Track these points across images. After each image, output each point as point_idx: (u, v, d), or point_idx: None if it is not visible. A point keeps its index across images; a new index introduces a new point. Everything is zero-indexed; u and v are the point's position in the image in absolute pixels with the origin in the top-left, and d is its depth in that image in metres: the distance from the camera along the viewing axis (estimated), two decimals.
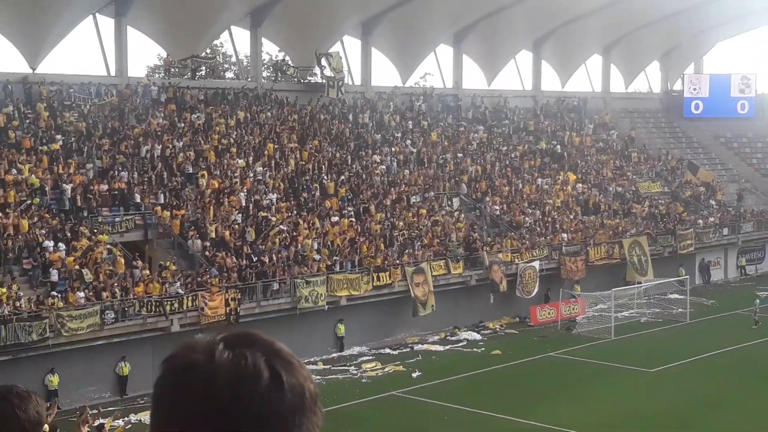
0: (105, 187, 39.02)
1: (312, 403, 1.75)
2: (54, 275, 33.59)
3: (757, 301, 46.23)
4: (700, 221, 57.93)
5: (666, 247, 54.29)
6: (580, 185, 56.98)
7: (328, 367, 37.96)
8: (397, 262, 42.43)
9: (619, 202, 57.06)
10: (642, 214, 55.98)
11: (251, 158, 45.57)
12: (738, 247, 59.66)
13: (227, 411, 1.68)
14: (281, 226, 41.13)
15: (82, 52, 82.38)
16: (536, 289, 46.77)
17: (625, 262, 51.02)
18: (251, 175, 44.25)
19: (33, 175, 37.60)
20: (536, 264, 47.07)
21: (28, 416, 2.68)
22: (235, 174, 43.56)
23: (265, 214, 41.82)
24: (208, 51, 59.82)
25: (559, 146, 60.93)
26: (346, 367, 37.93)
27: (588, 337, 42.94)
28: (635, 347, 40.99)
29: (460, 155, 54.70)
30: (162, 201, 39.89)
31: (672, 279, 50.69)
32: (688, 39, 72.81)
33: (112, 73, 47.85)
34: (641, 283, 49.43)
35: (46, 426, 2.86)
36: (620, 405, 32.66)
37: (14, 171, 37.50)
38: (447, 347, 41.47)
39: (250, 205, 42.09)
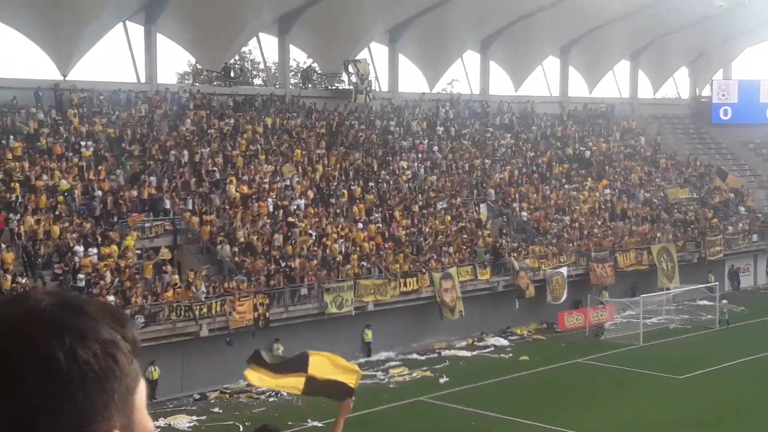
0: (135, 192, 39.36)
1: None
2: (81, 280, 33.83)
3: (725, 301, 47.24)
4: (730, 227, 57.61)
5: (694, 253, 54.00)
6: (608, 191, 56.82)
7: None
8: (423, 270, 42.42)
9: (648, 209, 56.82)
10: (670, 221, 55.74)
11: (279, 164, 45.80)
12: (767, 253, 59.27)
13: None
14: (309, 232, 41.31)
15: (112, 59, 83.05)
16: (565, 296, 46.61)
17: (653, 269, 50.77)
18: (279, 180, 44.46)
19: (64, 181, 37.99)
20: (564, 270, 46.95)
21: None
22: (264, 180, 43.79)
23: (293, 219, 42.01)
24: (237, 58, 60.23)
25: (588, 152, 60.79)
26: (374, 373, 37.98)
27: (616, 343, 42.76)
28: (664, 354, 40.77)
29: (487, 161, 54.69)
30: (191, 207, 40.17)
31: (701, 285, 50.40)
32: (716, 45, 72.44)
33: (142, 80, 48.26)
34: (669, 289, 49.27)
35: None
36: (648, 411, 32.51)
37: (45, 177, 37.91)
38: (474, 353, 41.43)
39: (279, 210, 42.29)
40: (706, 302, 49.68)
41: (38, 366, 1.39)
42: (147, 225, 38.38)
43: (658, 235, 52.92)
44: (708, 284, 50.76)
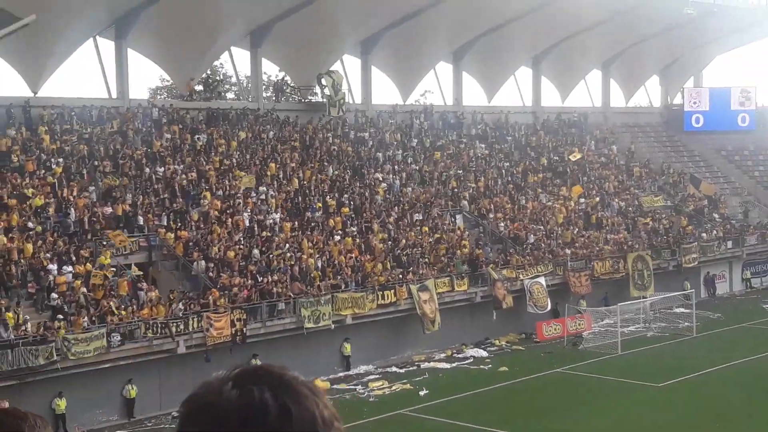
0: (108, 209, 38.97)
1: (326, 428, 1.79)
2: (54, 299, 33.35)
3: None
4: (704, 235, 57.87)
5: (670, 261, 54.17)
6: (583, 200, 56.94)
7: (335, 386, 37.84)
8: (401, 277, 42.25)
9: (622, 217, 56.97)
10: (645, 229, 55.89)
11: (254, 178, 45.52)
12: (743, 260, 59.56)
13: None
14: (285, 246, 41.04)
15: (83, 75, 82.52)
16: (549, 305, 46.55)
17: (628, 278, 50.86)
18: (254, 195, 44.20)
19: (36, 197, 37.57)
20: (542, 280, 46.94)
21: None
22: (238, 194, 43.52)
23: (268, 233, 41.76)
24: (209, 72, 60.00)
25: (560, 162, 60.92)
26: (353, 387, 37.77)
27: (595, 352, 42.80)
28: (642, 362, 40.86)
29: (461, 172, 54.67)
30: (165, 223, 39.84)
31: (677, 293, 50.57)
32: (687, 53, 72.96)
33: (114, 96, 47.90)
34: (645, 297, 49.41)
35: None
36: (628, 420, 32.53)
37: (17, 194, 37.45)
38: (454, 365, 41.31)
39: (254, 225, 42.03)
40: (682, 309, 49.83)
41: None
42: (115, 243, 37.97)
43: (633, 243, 53.00)
44: (684, 292, 50.94)
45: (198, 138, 46.89)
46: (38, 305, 33.64)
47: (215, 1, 47.53)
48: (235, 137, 48.29)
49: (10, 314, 31.32)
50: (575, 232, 52.72)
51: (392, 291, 41.55)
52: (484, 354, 42.96)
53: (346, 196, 47.34)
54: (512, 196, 54.28)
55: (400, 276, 42.50)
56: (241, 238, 40.76)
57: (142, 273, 37.09)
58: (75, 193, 39.18)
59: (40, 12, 42.57)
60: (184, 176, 43.19)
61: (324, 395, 1.83)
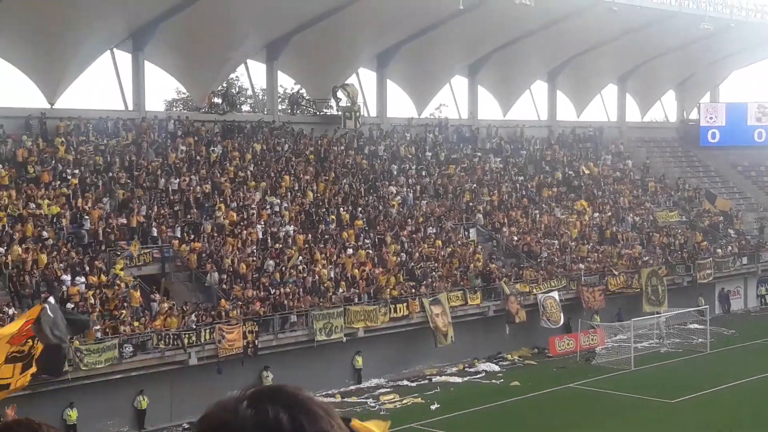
0: (123, 220, 39.17)
1: None
2: (69, 309, 33.49)
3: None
4: (719, 250, 57.61)
5: (685, 276, 53.95)
6: (597, 215, 56.82)
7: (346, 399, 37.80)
8: (413, 290, 42.24)
9: (637, 232, 56.82)
10: (660, 244, 55.71)
11: (268, 190, 45.69)
12: (758, 276, 59.24)
13: None
14: (298, 259, 41.12)
15: (99, 87, 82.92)
16: (562, 319, 46.41)
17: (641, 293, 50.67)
18: (268, 207, 44.34)
19: (51, 207, 37.82)
20: (555, 294, 46.82)
21: None
22: (252, 206, 43.66)
23: (281, 245, 41.85)
24: (225, 85, 60.28)
25: (575, 176, 60.81)
26: (365, 400, 37.74)
27: (608, 367, 42.63)
28: (656, 378, 40.68)
29: (476, 186, 54.66)
30: (179, 234, 39.99)
31: (692, 309, 50.33)
32: (703, 68, 72.73)
33: (130, 108, 48.15)
34: (659, 313, 49.20)
35: None
36: None
37: (33, 205, 37.70)
38: (465, 379, 41.24)
39: (267, 237, 42.13)
40: (696, 326, 49.62)
41: None
42: (132, 254, 38.13)
43: (648, 259, 52.78)
44: (698, 307, 50.69)
45: (213, 150, 47.09)
46: None
47: (232, 14, 47.71)
48: (250, 149, 48.47)
49: None
50: (589, 246, 52.60)
51: (405, 304, 41.54)
52: (496, 368, 42.86)
53: (359, 208, 47.43)
54: (526, 210, 54.23)
55: (413, 289, 42.51)
56: (255, 250, 40.87)
57: (154, 286, 37.20)
58: (90, 205, 39.40)
59: (59, 24, 42.96)
60: (198, 188, 43.38)
61: (338, 416, 1.85)
